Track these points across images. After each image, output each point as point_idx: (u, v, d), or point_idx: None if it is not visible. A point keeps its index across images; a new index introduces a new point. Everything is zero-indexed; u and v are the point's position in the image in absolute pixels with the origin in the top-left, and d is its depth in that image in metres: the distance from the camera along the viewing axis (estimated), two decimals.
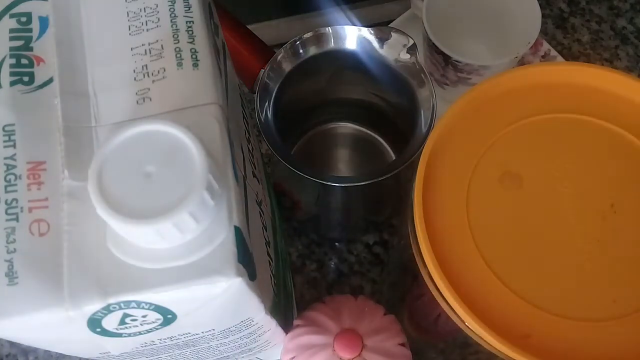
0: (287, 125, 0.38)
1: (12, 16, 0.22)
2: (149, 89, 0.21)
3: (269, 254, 0.27)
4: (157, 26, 0.22)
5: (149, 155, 0.19)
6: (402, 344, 0.29)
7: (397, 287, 0.39)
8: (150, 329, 0.21)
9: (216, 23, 0.25)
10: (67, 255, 0.19)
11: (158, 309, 0.20)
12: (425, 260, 0.24)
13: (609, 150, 0.26)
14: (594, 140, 0.27)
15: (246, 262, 0.20)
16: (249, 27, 0.39)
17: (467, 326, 0.23)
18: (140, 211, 0.18)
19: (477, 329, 0.23)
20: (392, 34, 0.37)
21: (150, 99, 0.21)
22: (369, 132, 0.46)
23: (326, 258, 0.45)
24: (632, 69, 0.51)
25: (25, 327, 0.19)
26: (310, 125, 0.46)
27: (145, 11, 0.22)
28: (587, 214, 0.25)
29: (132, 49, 0.22)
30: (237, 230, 0.20)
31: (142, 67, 0.22)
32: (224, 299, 0.20)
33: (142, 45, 0.22)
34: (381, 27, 0.37)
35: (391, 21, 0.49)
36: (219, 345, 0.26)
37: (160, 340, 0.23)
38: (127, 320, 0.20)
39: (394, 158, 0.45)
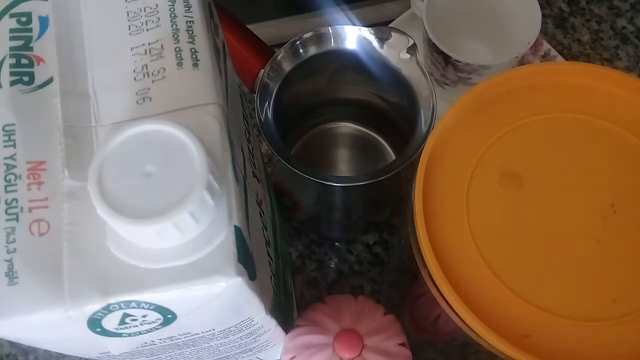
0: (287, 125, 0.38)
1: (12, 16, 0.22)
2: (149, 89, 0.21)
3: (269, 254, 0.27)
4: (157, 26, 0.22)
5: (149, 155, 0.19)
6: (402, 344, 0.29)
7: (397, 287, 0.39)
8: (150, 329, 0.21)
9: (216, 23, 0.25)
10: (67, 255, 0.19)
11: (158, 308, 0.20)
12: (426, 260, 0.24)
13: (609, 150, 0.26)
14: (594, 140, 0.27)
15: (246, 262, 0.20)
16: (249, 27, 0.39)
17: (467, 326, 0.23)
18: (140, 211, 0.18)
19: (477, 329, 0.23)
20: (392, 34, 0.37)
21: (150, 99, 0.21)
22: (369, 132, 0.46)
23: (326, 258, 0.45)
24: (632, 69, 0.51)
25: (25, 327, 0.19)
26: (310, 125, 0.46)
27: (145, 11, 0.22)
28: (587, 214, 0.25)
29: (132, 49, 0.22)
30: (237, 230, 0.20)
31: (142, 67, 0.22)
32: (224, 299, 0.20)
33: (142, 45, 0.22)
34: (381, 27, 0.37)
35: (391, 21, 0.49)
36: (219, 345, 0.26)
37: (160, 340, 0.23)
38: (127, 320, 0.20)
39: (394, 158, 0.45)
